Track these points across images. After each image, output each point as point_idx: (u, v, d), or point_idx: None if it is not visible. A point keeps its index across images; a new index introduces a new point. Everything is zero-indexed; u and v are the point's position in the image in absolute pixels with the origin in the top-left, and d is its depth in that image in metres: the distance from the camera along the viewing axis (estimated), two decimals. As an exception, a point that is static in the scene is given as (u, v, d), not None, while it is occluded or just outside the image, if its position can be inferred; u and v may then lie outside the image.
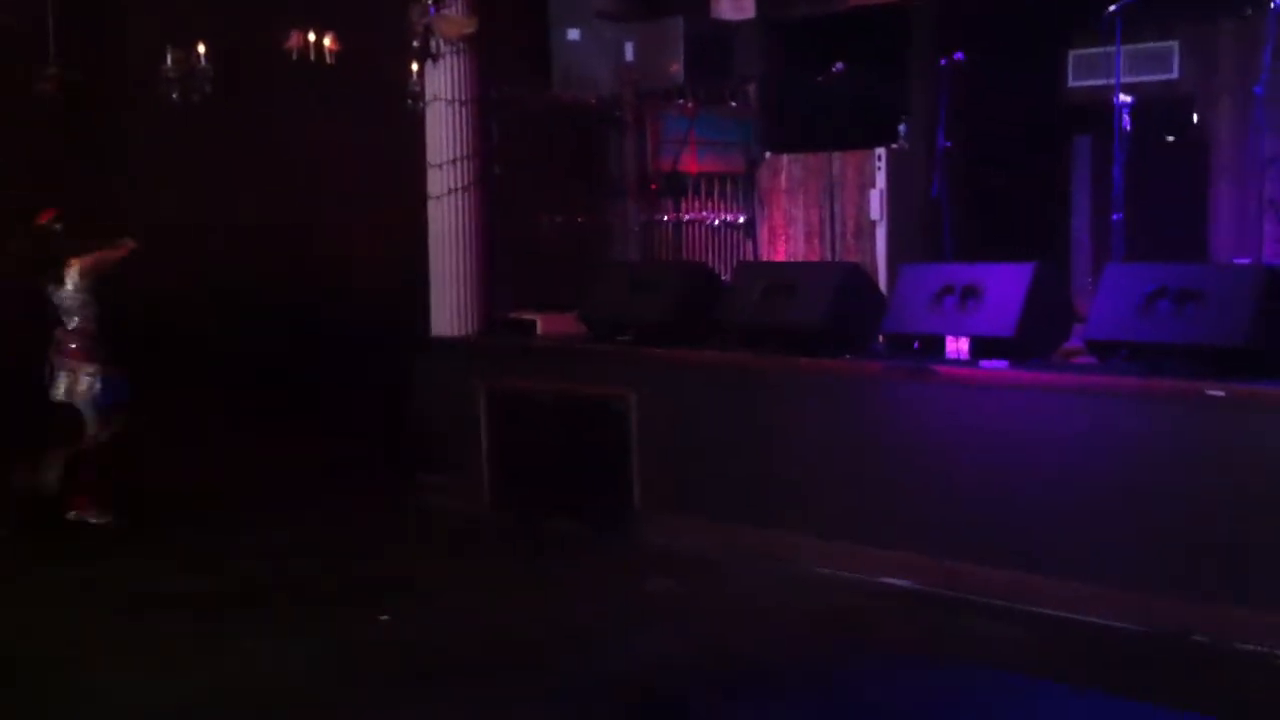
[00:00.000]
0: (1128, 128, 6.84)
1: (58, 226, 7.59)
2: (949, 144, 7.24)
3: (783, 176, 8.64)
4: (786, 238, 8.63)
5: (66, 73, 8.53)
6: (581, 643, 5.78)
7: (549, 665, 5.52)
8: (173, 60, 8.74)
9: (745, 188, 8.76)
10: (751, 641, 5.74)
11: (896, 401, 6.39)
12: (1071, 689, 5.15)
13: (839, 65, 7.62)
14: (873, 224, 8.19)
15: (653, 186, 9.26)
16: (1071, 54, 8.48)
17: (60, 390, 7.61)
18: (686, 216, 9.11)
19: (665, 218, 9.19)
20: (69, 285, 7.59)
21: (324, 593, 6.60)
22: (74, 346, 7.60)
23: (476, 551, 7.35)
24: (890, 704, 5.09)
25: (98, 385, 7.61)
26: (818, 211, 8.46)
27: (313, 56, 9.27)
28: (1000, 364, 6.14)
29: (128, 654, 5.74)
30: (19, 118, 8.49)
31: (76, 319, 7.62)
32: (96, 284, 7.64)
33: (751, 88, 8.85)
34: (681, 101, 9.14)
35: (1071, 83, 8.46)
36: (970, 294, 6.34)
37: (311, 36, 9.28)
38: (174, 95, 8.80)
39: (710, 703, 5.16)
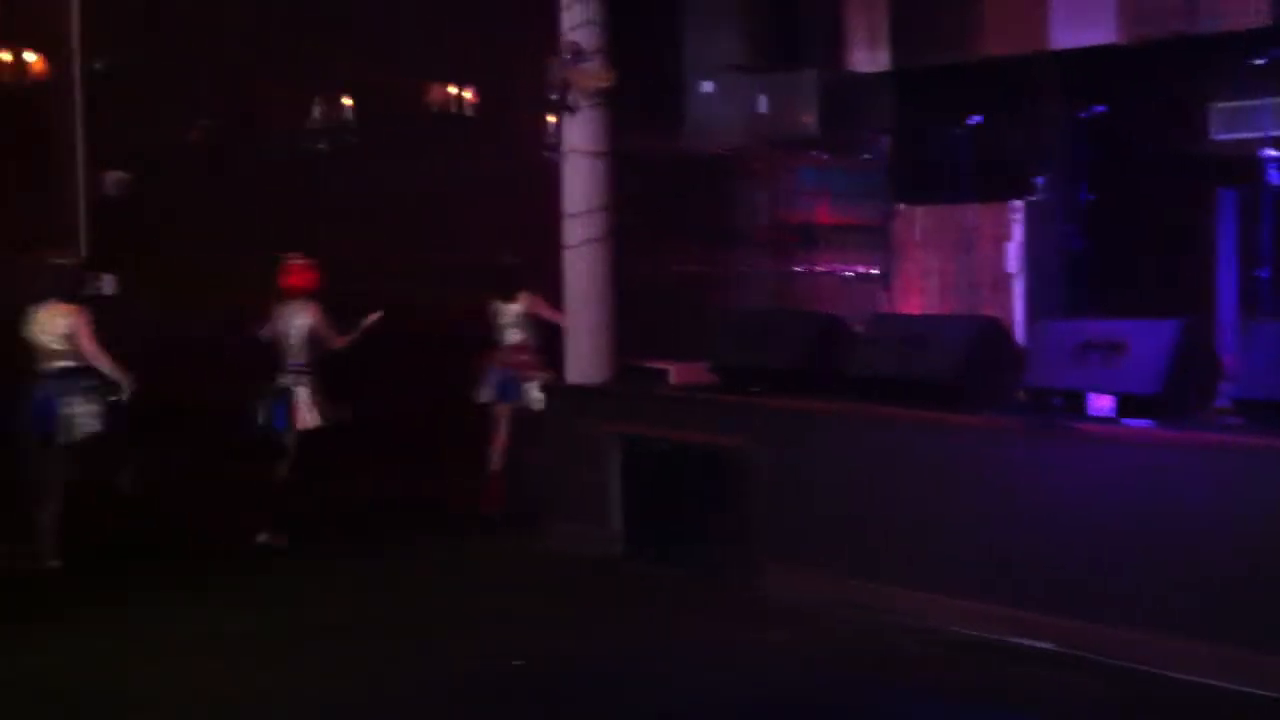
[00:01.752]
0: (1275, 182, 6.71)
1: (517, 261, 8.88)
2: (1092, 197, 7.15)
3: (916, 228, 8.62)
4: (920, 290, 8.58)
5: (213, 124, 8.90)
6: (676, 683, 5.84)
7: (639, 703, 5.62)
8: (319, 112, 9.06)
9: (878, 239, 8.74)
10: (855, 691, 5.73)
11: (1035, 458, 6.29)
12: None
13: (976, 118, 7.58)
14: (1009, 276, 8.12)
15: (784, 237, 9.30)
16: (1213, 107, 8.33)
17: (490, 393, 8.86)
18: (818, 268, 9.12)
19: (797, 269, 9.21)
20: (514, 310, 8.86)
21: (446, 630, 6.71)
22: (524, 358, 8.85)
23: (599, 595, 7.41)
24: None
25: (539, 393, 8.72)
26: (952, 264, 8.41)
27: (453, 109, 9.55)
28: (1145, 422, 6.03)
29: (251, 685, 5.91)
30: (168, 164, 8.83)
31: (517, 336, 8.85)
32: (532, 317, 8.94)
33: (884, 139, 8.83)
34: (814, 153, 9.16)
35: (1214, 135, 8.31)
36: (1114, 350, 6.23)
37: (453, 90, 9.56)
38: (320, 145, 9.12)
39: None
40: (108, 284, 8.67)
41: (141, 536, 8.05)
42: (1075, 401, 6.29)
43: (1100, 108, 7.21)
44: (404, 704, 5.68)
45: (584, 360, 8.36)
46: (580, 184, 8.28)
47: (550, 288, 8.58)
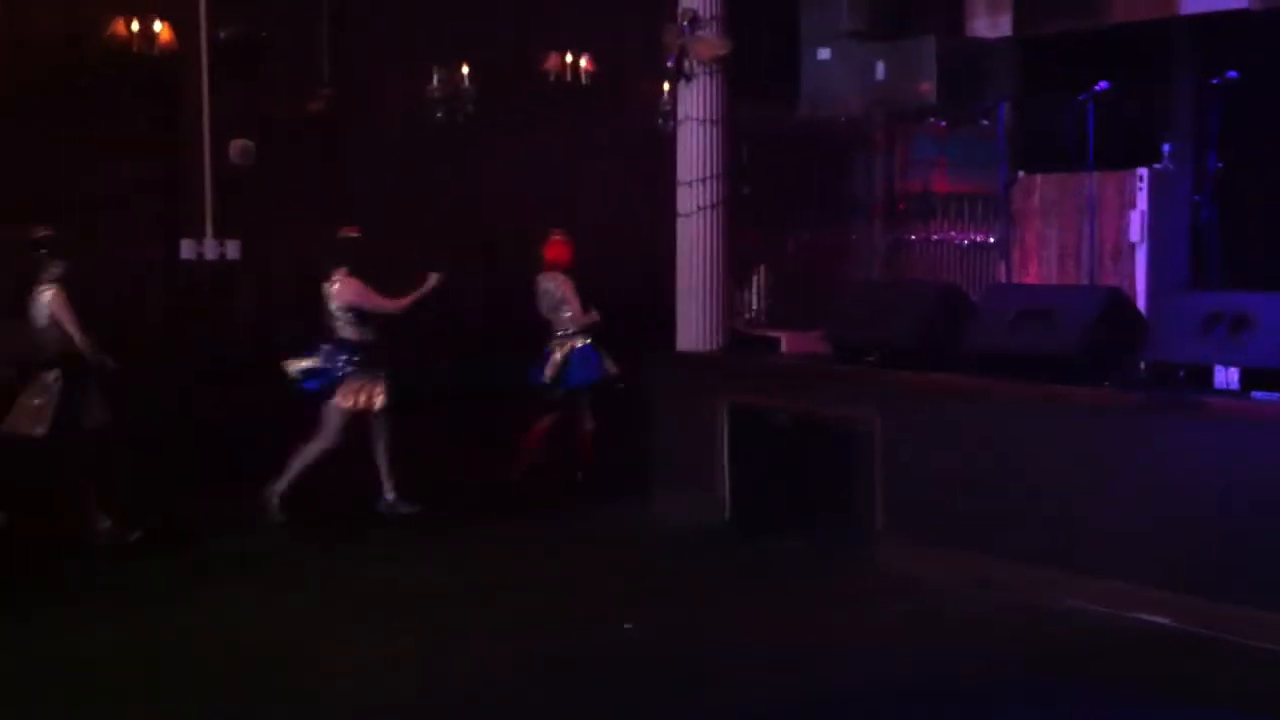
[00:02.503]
0: None
1: None
2: (1221, 165, 6.96)
3: (1036, 197, 8.44)
4: (1039, 259, 8.43)
5: (335, 93, 9.03)
6: (792, 661, 5.78)
7: (754, 680, 5.56)
8: (438, 80, 9.16)
9: (996, 208, 8.58)
10: (981, 671, 5.65)
11: (1159, 433, 6.18)
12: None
13: (1103, 84, 7.39)
14: (1131, 246, 7.93)
15: (901, 206, 9.19)
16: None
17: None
18: (934, 237, 9.01)
19: (913, 238, 9.11)
20: None
21: (557, 597, 6.76)
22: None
23: (709, 565, 7.41)
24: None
25: None
26: (1073, 233, 8.23)
27: (569, 77, 9.58)
28: (1274, 396, 5.88)
29: (360, 646, 6.00)
30: (290, 134, 8.98)
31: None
32: None
33: (1004, 106, 8.65)
34: (932, 121, 9.03)
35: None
36: (1242, 323, 6.08)
37: (568, 58, 9.59)
38: (439, 114, 9.22)
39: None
40: (231, 248, 8.87)
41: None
42: (1200, 375, 6.16)
43: (1232, 74, 6.97)
44: (513, 669, 5.75)
45: (695, 328, 8.36)
46: (694, 152, 8.27)
47: (658, 255, 8.58)
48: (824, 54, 9.06)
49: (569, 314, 8.91)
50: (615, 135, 9.68)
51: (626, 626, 6.24)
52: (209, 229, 8.76)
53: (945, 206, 8.99)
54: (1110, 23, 8.34)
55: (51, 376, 7.30)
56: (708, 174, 8.22)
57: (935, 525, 6.99)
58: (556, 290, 8.89)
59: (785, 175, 9.29)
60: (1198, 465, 6.00)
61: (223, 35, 8.69)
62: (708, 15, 8.12)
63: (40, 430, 7.26)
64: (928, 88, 8.70)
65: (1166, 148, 7.91)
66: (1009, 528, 6.66)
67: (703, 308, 8.34)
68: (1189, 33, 8.17)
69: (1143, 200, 7.84)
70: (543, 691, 5.49)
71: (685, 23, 8.10)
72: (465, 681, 5.58)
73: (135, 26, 8.36)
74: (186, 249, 8.72)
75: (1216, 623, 5.87)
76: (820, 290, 8.73)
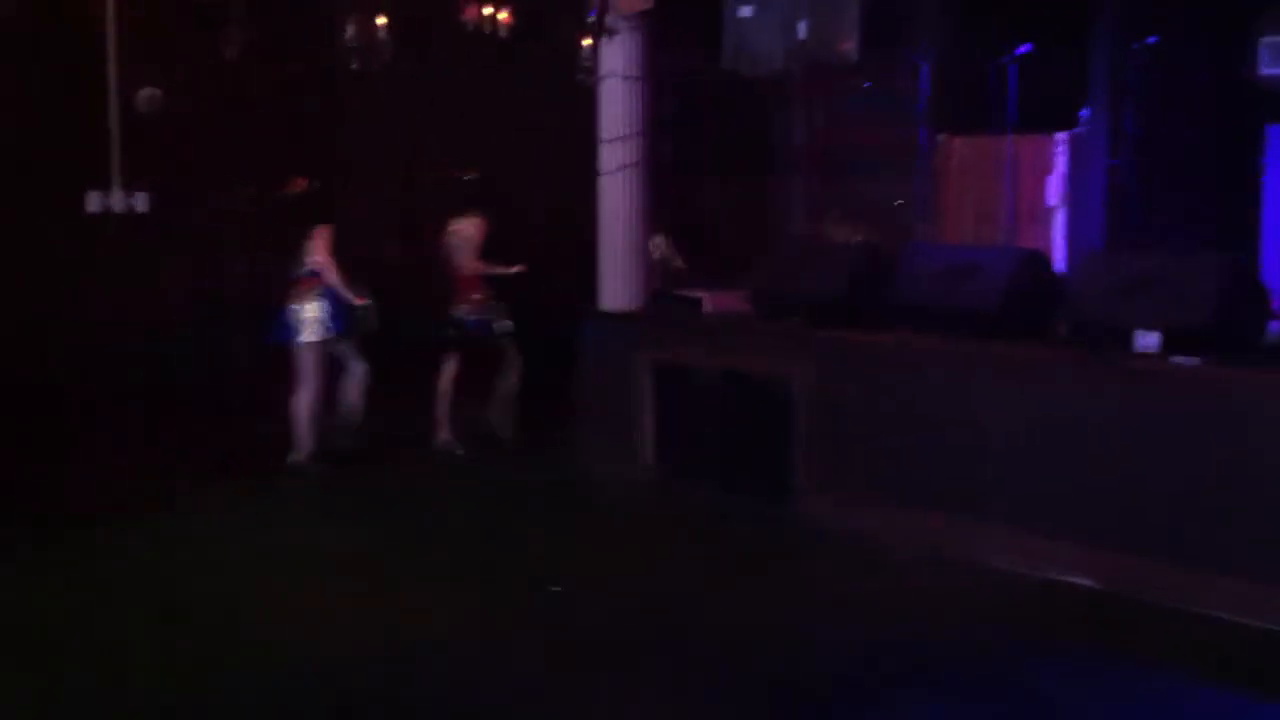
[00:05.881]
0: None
1: None
2: (1139, 130, 7.06)
3: (955, 158, 8.52)
4: (956, 220, 8.52)
5: (247, 38, 8.81)
6: (724, 623, 5.77)
7: (689, 639, 5.56)
8: (353, 31, 8.97)
9: (917, 168, 8.65)
10: (917, 632, 5.67)
11: (1076, 392, 6.26)
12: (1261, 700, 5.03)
13: (1025, 47, 7.46)
14: (1049, 209, 8.03)
15: (823, 164, 9.20)
16: (1263, 41, 8.17)
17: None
18: (856, 195, 9.04)
19: (835, 196, 9.14)
20: None
21: (483, 557, 6.72)
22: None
23: (634, 522, 7.41)
24: (1072, 704, 4.95)
25: None
26: (990, 193, 8.32)
27: (488, 29, 9.43)
28: (1190, 359, 5.98)
29: (291, 607, 5.95)
30: (199, 82, 8.77)
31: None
32: None
33: (926, 67, 8.69)
34: (854, 80, 9.04)
35: (1262, 70, 8.17)
36: (1158, 283, 6.17)
37: (488, 10, 9.43)
38: (353, 65, 9.03)
39: (868, 691, 5.08)
40: (140, 201, 8.65)
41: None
42: (1119, 335, 6.25)
43: (1151, 39, 7.07)
44: (454, 624, 5.72)
45: (617, 286, 8.32)
46: (616, 109, 8.20)
47: (582, 213, 8.51)
48: (745, 11, 9.00)
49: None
50: (538, 90, 9.56)
51: (553, 589, 6.21)
52: (115, 180, 8.50)
53: (867, 165, 9.03)
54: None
55: None
56: (630, 131, 8.16)
57: (856, 480, 7.04)
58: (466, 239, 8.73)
59: (709, 132, 9.26)
60: (1115, 424, 6.09)
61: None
62: (630, -31, 8.03)
63: None
64: (849, 46, 8.68)
65: (1084, 112, 8.01)
66: (927, 482, 6.73)
67: (624, 265, 8.30)
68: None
69: (1061, 163, 7.94)
70: (471, 654, 5.44)
71: (608, -24, 8.01)
72: (398, 642, 5.52)
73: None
74: (93, 202, 8.45)
75: (1135, 581, 5.96)
76: (743, 247, 8.71)
